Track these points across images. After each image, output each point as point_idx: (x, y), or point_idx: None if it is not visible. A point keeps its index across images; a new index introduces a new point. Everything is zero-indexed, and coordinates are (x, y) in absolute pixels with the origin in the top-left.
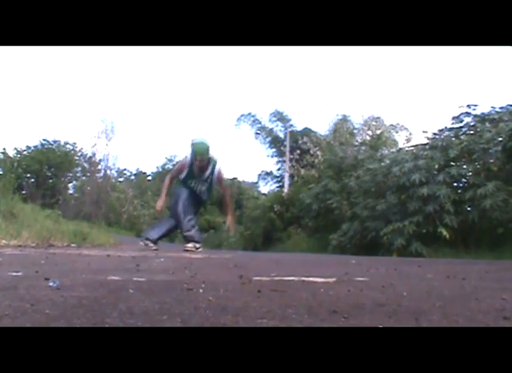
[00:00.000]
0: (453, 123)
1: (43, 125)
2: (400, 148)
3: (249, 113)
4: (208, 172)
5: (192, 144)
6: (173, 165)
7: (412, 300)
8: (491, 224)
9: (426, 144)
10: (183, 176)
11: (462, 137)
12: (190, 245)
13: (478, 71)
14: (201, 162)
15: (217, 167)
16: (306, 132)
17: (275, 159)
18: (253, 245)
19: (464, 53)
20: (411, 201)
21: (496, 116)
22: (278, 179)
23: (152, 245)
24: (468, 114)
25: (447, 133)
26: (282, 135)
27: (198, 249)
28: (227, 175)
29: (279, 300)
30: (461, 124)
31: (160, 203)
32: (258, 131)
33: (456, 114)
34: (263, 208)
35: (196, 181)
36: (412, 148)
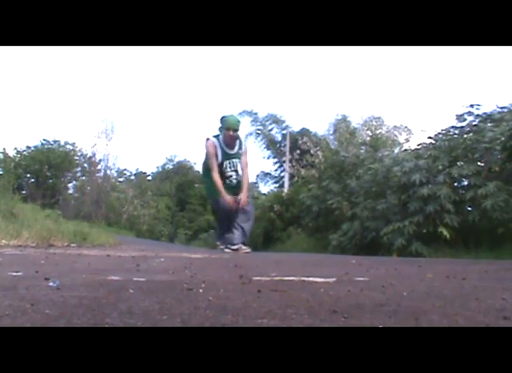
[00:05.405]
0: (456, 123)
1: (43, 125)
2: (405, 150)
3: (251, 111)
4: (237, 147)
5: (223, 118)
6: (173, 165)
7: (412, 300)
8: (491, 224)
9: (430, 144)
10: (219, 158)
11: (465, 136)
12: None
13: (478, 71)
14: (234, 132)
15: (244, 142)
16: (305, 133)
17: (272, 160)
18: (253, 245)
19: (465, 53)
20: (411, 201)
21: (498, 116)
22: (277, 179)
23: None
24: (470, 113)
25: (450, 132)
26: (278, 137)
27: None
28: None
29: (279, 300)
30: (464, 124)
31: (229, 199)
32: (258, 131)
33: (457, 114)
34: (263, 208)
35: (230, 160)
36: (415, 148)
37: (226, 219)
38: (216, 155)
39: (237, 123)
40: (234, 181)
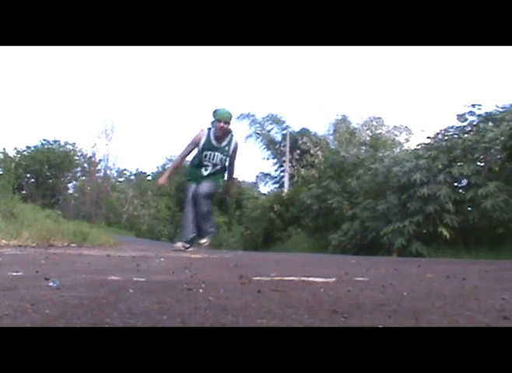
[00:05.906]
0: (457, 123)
1: (43, 125)
2: (406, 150)
3: (248, 113)
4: (225, 143)
5: (215, 111)
6: None
7: (412, 300)
8: (491, 224)
9: (430, 144)
10: (200, 145)
11: (465, 136)
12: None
13: (478, 71)
14: (224, 124)
15: (234, 138)
16: (305, 133)
17: (272, 161)
18: (253, 245)
19: (465, 53)
20: (411, 201)
21: (499, 116)
22: (277, 179)
23: (188, 245)
24: (471, 113)
25: (450, 132)
26: (278, 137)
27: (204, 243)
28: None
29: (279, 300)
30: (464, 124)
31: (162, 179)
32: (258, 132)
33: (457, 114)
34: (263, 208)
35: (212, 152)
36: (415, 148)
37: (190, 209)
38: (197, 144)
39: (228, 115)
40: (205, 173)
